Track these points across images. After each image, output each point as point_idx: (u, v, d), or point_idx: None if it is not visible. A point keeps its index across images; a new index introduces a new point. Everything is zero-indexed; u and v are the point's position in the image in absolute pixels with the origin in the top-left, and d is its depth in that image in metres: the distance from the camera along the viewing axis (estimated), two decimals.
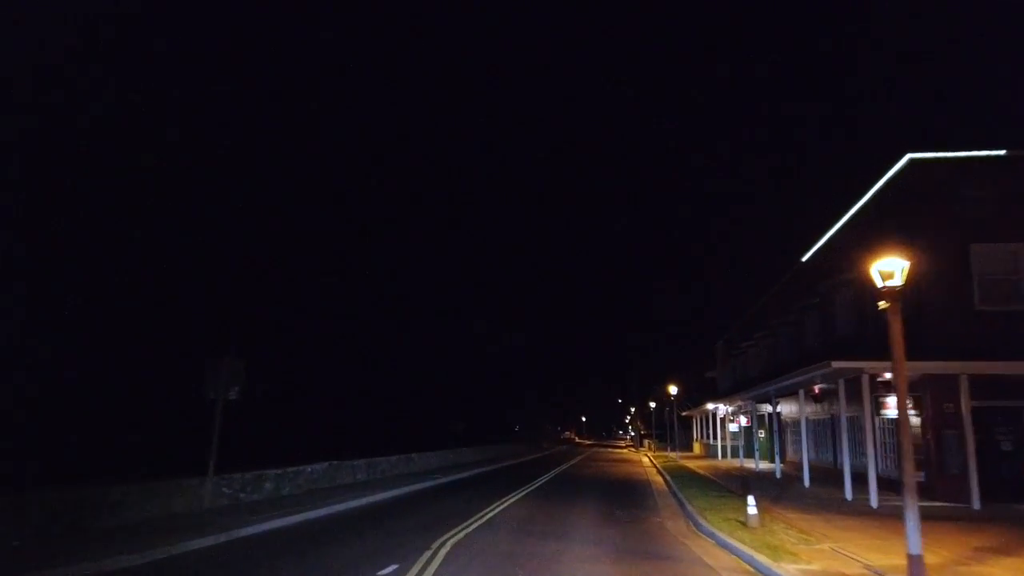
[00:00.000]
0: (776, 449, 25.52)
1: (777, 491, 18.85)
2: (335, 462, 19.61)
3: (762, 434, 40.69)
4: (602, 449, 72.39)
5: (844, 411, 17.35)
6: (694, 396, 56.68)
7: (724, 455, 41.30)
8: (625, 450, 71.48)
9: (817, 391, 26.70)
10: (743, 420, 40.19)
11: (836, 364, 15.19)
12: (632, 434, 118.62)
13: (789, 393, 27.34)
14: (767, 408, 34.88)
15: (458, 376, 60.18)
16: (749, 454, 37.80)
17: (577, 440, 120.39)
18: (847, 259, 22.43)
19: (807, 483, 20.78)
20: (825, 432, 26.41)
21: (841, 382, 17.22)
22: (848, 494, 16.76)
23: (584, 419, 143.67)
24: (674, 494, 19.22)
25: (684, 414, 52.36)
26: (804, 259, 28.26)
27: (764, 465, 30.90)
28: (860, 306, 21.51)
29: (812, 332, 26.81)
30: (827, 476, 23.61)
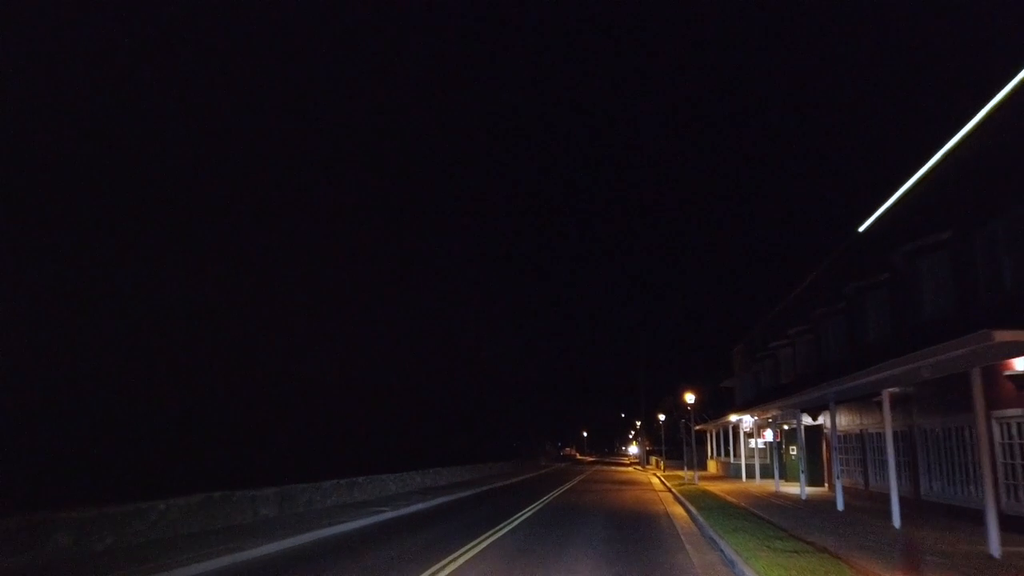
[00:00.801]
0: (836, 473, 19.32)
1: (866, 539, 12.70)
2: (218, 494, 13.47)
3: (794, 451, 34.51)
4: (605, 467, 65.99)
5: (982, 416, 11.22)
6: (709, 408, 50.52)
7: (750, 475, 35.06)
8: (630, 468, 65.11)
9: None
10: (770, 435, 34.05)
11: (1001, 335, 9.11)
12: (634, 451, 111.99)
13: (847, 400, 21.25)
14: (804, 420, 28.77)
15: (450, 389, 53.98)
16: (788, 475, 31.64)
17: (579, 457, 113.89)
18: (941, 213, 16.44)
19: (896, 522, 14.65)
20: (896, 449, 20.27)
21: (976, 373, 11.12)
22: (993, 547, 10.64)
23: (585, 435, 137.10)
24: (712, 541, 13.06)
25: (698, 428, 46.17)
26: (862, 229, 22.22)
27: (809, 490, 24.64)
28: (966, 272, 15.48)
29: (878, 317, 20.71)
30: (912, 510, 17.46)
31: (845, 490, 24.65)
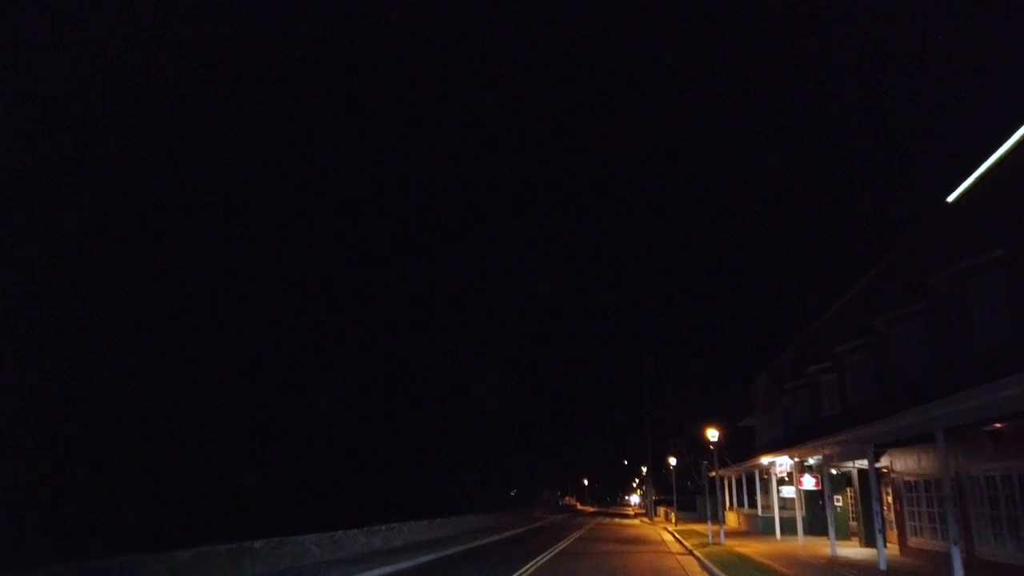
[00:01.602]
0: (953, 535, 13.10)
1: None
2: None
3: (838, 501, 28.12)
4: (608, 519, 59.00)
5: None
6: (724, 451, 44.01)
7: (786, 532, 28.60)
8: (636, 520, 58.15)
9: (1000, 426, 14.68)
10: (809, 481, 27.73)
11: None
12: (637, 500, 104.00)
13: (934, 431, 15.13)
14: (860, 462, 22.67)
15: (428, 430, 47.68)
16: (844, 533, 25.33)
17: (579, 507, 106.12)
18: None
19: None
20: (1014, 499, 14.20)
21: None
22: None
23: (586, 483, 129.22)
24: None
25: (714, 475, 39.73)
26: (952, 198, 16.50)
27: (873, 552, 18.22)
28: None
29: (990, 311, 14.82)
30: None
31: (927, 556, 18.45)
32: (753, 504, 36.28)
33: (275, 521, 20.85)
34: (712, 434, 26.39)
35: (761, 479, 34.17)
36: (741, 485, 40.36)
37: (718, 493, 41.98)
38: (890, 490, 21.69)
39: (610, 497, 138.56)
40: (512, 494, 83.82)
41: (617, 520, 58.03)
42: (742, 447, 43.42)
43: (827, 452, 21.62)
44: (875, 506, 17.09)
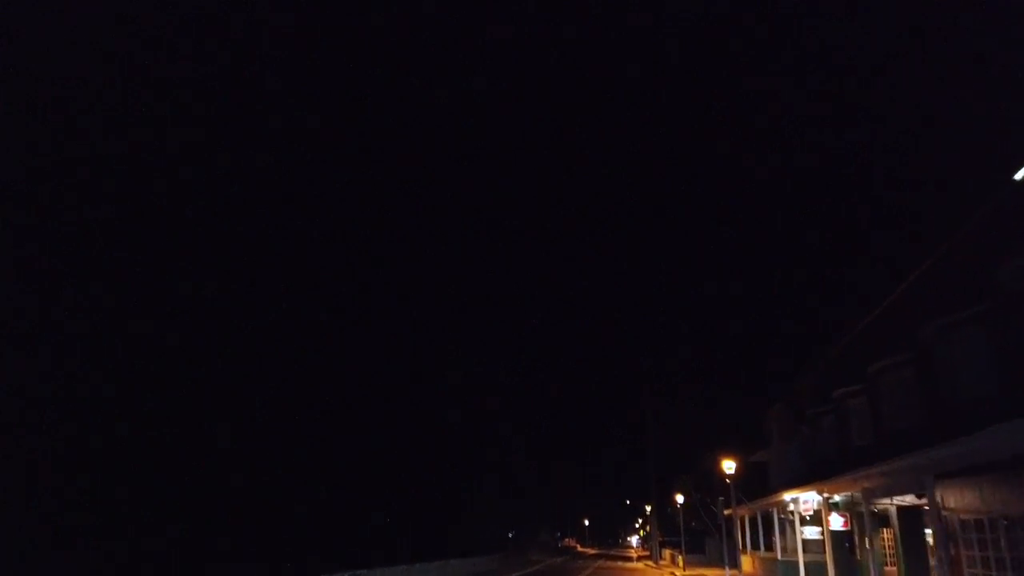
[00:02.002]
0: None
1: None
2: None
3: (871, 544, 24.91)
4: (610, 562, 55.32)
5: None
6: (739, 488, 40.70)
7: None
8: (639, 563, 54.52)
9: None
10: (837, 520, 24.65)
11: None
12: (637, 541, 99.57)
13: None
14: (893, 500, 19.66)
15: (415, 464, 44.51)
16: None
17: (579, 548, 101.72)
18: None
19: None
20: None
21: None
22: None
23: (587, 523, 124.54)
24: None
25: (731, 511, 36.49)
26: (1020, 175, 13.89)
27: None
28: None
29: None
30: None
31: None
32: (770, 546, 33.00)
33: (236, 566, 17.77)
34: (728, 466, 23.40)
35: (779, 518, 31.01)
36: (756, 526, 37.05)
37: (727, 533, 38.63)
38: (944, 532, 18.67)
39: (611, 538, 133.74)
40: (510, 535, 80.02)
41: (620, 563, 54.41)
42: (753, 484, 40.15)
43: (867, 485, 18.59)
44: (940, 551, 14.09)
